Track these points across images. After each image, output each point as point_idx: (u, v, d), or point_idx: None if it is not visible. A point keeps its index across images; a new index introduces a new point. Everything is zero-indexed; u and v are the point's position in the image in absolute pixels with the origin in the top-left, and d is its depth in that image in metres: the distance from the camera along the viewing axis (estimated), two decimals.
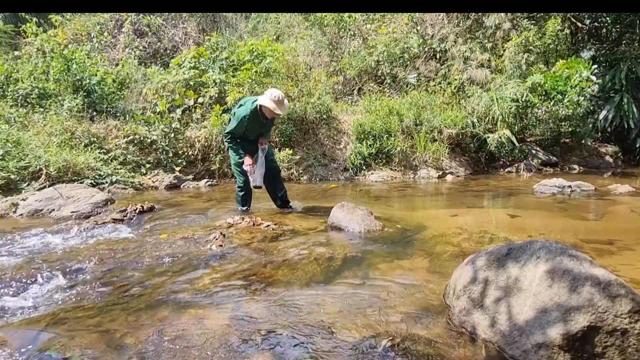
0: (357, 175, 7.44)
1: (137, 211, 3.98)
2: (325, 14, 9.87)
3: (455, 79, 9.00)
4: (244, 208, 4.08)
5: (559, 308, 1.49)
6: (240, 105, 3.83)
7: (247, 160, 3.80)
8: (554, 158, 8.96)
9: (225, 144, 3.73)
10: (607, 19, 11.23)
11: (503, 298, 1.67)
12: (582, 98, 8.55)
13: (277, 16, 11.91)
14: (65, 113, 6.49)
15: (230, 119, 3.86)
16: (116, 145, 6.39)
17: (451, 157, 8.25)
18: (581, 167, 9.07)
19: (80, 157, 5.64)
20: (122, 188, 5.73)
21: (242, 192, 4.04)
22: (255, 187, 3.87)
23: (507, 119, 8.30)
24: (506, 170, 8.56)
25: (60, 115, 6.42)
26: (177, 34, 10.54)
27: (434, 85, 9.21)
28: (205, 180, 6.55)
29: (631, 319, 1.44)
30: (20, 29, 8.39)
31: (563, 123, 9.01)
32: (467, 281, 1.83)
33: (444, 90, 9.01)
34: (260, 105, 3.69)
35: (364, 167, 7.52)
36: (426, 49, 9.71)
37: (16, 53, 8.12)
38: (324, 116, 7.97)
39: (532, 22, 9.39)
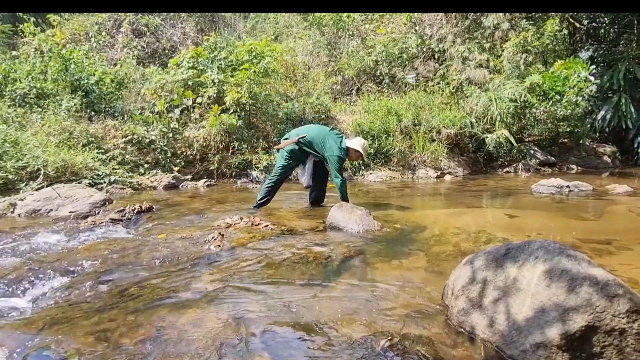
0: (355, 175, 7.43)
1: (135, 211, 3.97)
2: (323, 14, 9.86)
3: (454, 79, 9.02)
4: (262, 202, 4.23)
5: (557, 308, 1.50)
6: (337, 135, 4.18)
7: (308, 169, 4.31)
8: (552, 158, 8.98)
9: (338, 178, 4.15)
10: (605, 19, 11.27)
11: (501, 298, 1.67)
12: (580, 98, 8.58)
13: (276, 16, 11.91)
14: (64, 113, 6.47)
15: (325, 144, 4.14)
16: (114, 145, 6.37)
17: (449, 157, 8.26)
18: (579, 167, 9.10)
19: (79, 157, 5.61)
20: (121, 188, 5.72)
21: (271, 191, 4.26)
22: (307, 186, 4.45)
23: (505, 119, 8.32)
24: (504, 170, 8.58)
25: (58, 115, 6.40)
26: (176, 33, 10.53)
27: (433, 86, 9.22)
28: (204, 180, 6.54)
29: (629, 319, 1.44)
30: (18, 28, 8.35)
31: (561, 123, 9.04)
32: (465, 281, 1.83)
33: (443, 91, 9.02)
34: (348, 148, 4.15)
35: (363, 167, 7.52)
36: (425, 49, 9.72)
37: (14, 53, 8.09)
38: (323, 116, 7.97)
39: (531, 22, 9.41)
